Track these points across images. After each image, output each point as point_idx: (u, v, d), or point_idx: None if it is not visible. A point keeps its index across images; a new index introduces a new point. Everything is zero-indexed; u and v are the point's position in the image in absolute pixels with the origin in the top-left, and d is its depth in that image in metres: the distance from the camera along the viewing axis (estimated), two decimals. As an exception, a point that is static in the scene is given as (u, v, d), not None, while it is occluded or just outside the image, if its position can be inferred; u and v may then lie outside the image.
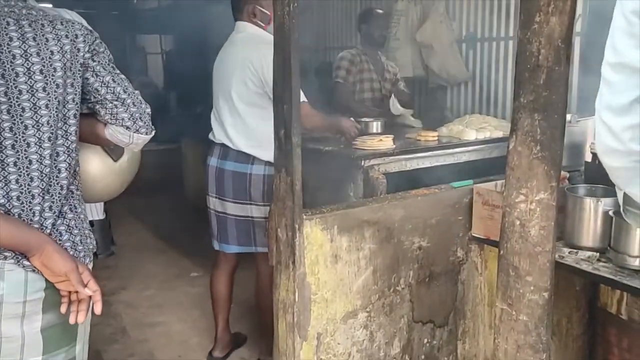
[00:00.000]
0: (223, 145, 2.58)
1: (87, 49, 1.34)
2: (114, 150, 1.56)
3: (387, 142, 2.85)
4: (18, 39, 1.25)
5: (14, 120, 1.24)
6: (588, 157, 2.32)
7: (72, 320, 1.25)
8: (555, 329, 2.16)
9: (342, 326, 1.92)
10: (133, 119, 1.41)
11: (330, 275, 1.86)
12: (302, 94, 2.27)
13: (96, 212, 4.04)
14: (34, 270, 1.23)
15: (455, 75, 4.28)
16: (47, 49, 1.28)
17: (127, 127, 1.41)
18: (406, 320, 2.09)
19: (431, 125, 3.36)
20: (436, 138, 3.08)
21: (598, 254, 1.79)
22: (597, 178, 2.01)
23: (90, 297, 1.25)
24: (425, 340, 2.16)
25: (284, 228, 1.78)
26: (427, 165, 2.92)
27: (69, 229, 1.32)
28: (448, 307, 2.21)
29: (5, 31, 1.24)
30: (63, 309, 1.26)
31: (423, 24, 4.32)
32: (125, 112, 1.40)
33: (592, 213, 1.80)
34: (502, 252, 1.24)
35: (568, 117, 2.41)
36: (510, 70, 3.94)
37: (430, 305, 2.15)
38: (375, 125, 3.23)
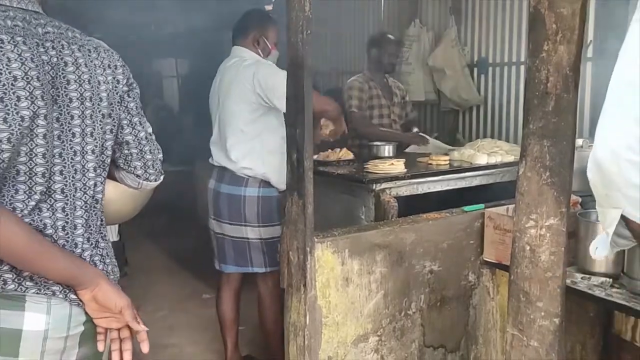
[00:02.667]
0: (221, 167, 2.64)
1: (125, 81, 1.32)
2: None
3: (398, 166, 2.86)
4: (72, 64, 1.21)
5: (64, 145, 1.20)
6: (600, 182, 2.31)
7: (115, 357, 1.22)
8: (569, 356, 2.14)
9: (352, 350, 1.92)
10: (145, 167, 1.38)
11: (341, 298, 1.87)
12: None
13: (110, 234, 4.08)
14: (78, 304, 1.19)
15: (467, 100, 4.30)
16: (96, 78, 1.25)
17: (138, 176, 1.39)
18: (417, 345, 2.08)
19: (443, 149, 3.38)
20: (447, 162, 3.09)
21: (611, 279, 1.78)
22: (610, 203, 2.00)
23: (130, 335, 1.23)
24: (437, 366, 2.15)
25: (295, 251, 1.79)
26: (438, 189, 2.93)
27: (102, 259, 1.28)
28: (460, 332, 2.20)
29: (60, 55, 1.20)
30: (101, 346, 1.23)
31: (435, 49, 4.37)
32: (139, 160, 1.37)
33: (604, 238, 1.80)
34: (512, 277, 1.24)
35: (580, 142, 2.41)
36: (521, 95, 3.96)
37: (441, 330, 2.14)
38: (387, 149, 3.25)
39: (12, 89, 1.09)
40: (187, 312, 3.79)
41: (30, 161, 1.14)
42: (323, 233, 1.85)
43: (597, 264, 1.82)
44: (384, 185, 2.71)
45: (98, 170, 1.27)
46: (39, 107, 1.13)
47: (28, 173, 1.14)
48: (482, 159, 3.09)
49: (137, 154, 1.36)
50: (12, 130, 1.09)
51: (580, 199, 2.27)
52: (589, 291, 1.74)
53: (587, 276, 1.81)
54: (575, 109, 1.13)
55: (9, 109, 1.08)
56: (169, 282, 4.31)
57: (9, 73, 1.09)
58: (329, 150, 3.19)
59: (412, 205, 2.67)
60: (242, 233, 2.62)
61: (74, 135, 1.22)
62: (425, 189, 2.88)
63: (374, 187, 2.69)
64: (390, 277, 1.97)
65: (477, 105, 4.31)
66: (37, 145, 1.14)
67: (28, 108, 1.11)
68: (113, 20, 4.91)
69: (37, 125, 1.14)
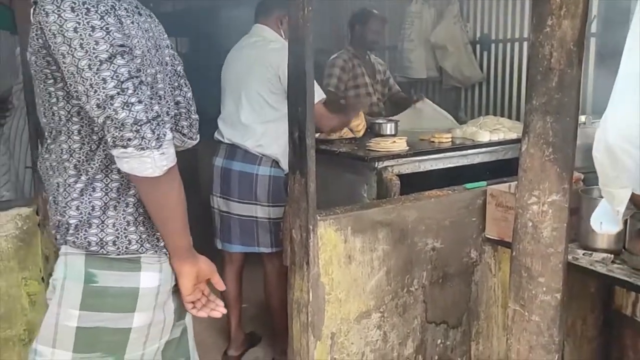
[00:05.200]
0: (231, 145, 2.62)
1: (170, 45, 1.36)
2: None
3: (400, 144, 2.85)
4: (150, 29, 1.27)
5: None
6: (603, 159, 2.31)
7: (218, 315, 1.37)
8: (570, 331, 2.16)
9: (355, 326, 1.94)
10: (190, 126, 1.44)
11: (344, 275, 1.88)
12: (319, 90, 2.28)
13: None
14: None
15: (469, 77, 4.27)
16: (161, 42, 1.31)
17: (184, 134, 1.45)
18: (419, 321, 2.10)
19: (445, 127, 3.36)
20: (450, 139, 3.08)
21: (612, 255, 1.79)
22: (612, 180, 2.00)
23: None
24: (439, 341, 2.17)
25: (298, 229, 1.80)
26: (440, 167, 2.93)
27: None
28: (461, 308, 2.22)
29: (144, 20, 1.25)
30: (203, 313, 1.34)
31: (437, 25, 4.33)
32: (187, 120, 1.42)
33: (606, 215, 1.80)
34: (514, 253, 1.25)
35: (583, 118, 2.41)
36: (524, 72, 3.93)
37: (443, 306, 2.16)
38: (389, 127, 3.23)
39: (147, 57, 1.20)
40: (191, 290, 3.82)
41: None
42: (325, 211, 1.86)
43: (599, 240, 1.83)
44: (386, 163, 2.71)
45: (173, 132, 1.34)
46: (157, 71, 1.24)
47: None
48: (484, 137, 3.08)
49: (185, 114, 1.43)
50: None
51: (582, 176, 2.27)
52: (591, 267, 1.76)
53: (589, 252, 1.82)
54: (578, 85, 1.13)
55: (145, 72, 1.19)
56: (173, 261, 4.33)
57: (145, 40, 1.20)
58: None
59: (415, 183, 2.67)
60: (251, 212, 2.62)
61: (160, 98, 1.28)
62: (427, 166, 2.88)
63: (376, 165, 2.69)
64: (393, 254, 1.98)
65: (480, 82, 4.29)
66: None
67: (154, 75, 1.23)
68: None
69: (160, 89, 1.26)
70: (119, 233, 1.20)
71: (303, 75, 1.71)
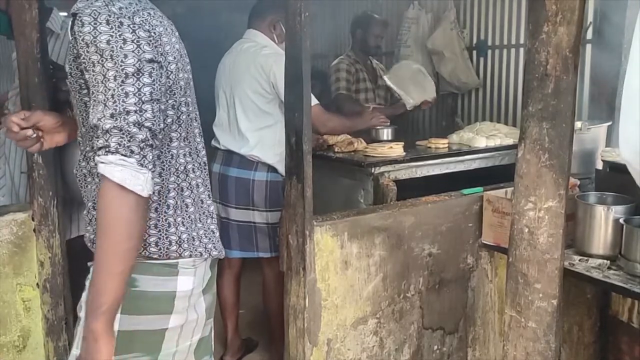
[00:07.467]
0: (228, 151, 2.61)
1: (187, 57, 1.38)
2: None
3: (397, 149, 2.85)
4: (176, 36, 1.28)
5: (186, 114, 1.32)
6: (599, 165, 2.32)
7: None
8: (567, 337, 2.16)
9: (352, 332, 1.93)
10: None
11: (340, 281, 1.88)
12: (312, 97, 2.29)
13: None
14: (205, 260, 1.34)
15: (466, 83, 4.28)
16: (182, 49, 1.31)
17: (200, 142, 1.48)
18: (416, 327, 2.10)
19: (442, 133, 3.37)
20: (446, 145, 3.08)
21: (609, 261, 1.79)
22: (608, 185, 2.01)
23: None
24: (435, 347, 2.17)
25: (294, 234, 1.79)
26: (437, 173, 2.93)
27: None
28: (458, 314, 2.22)
29: (168, 26, 1.26)
30: None
31: (434, 31, 4.33)
32: (199, 129, 1.46)
33: (602, 221, 1.80)
34: (510, 259, 1.25)
35: (579, 124, 2.41)
36: (521, 78, 3.94)
37: (440, 312, 2.16)
38: (386, 133, 3.23)
39: (180, 62, 1.25)
40: (187, 295, 3.80)
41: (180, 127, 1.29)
42: (322, 216, 1.86)
43: (595, 246, 1.83)
44: (382, 169, 2.71)
45: (201, 136, 1.40)
46: (188, 78, 1.29)
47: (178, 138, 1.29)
48: (481, 142, 3.08)
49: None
50: (176, 98, 1.24)
51: (578, 182, 2.28)
52: (587, 273, 1.76)
53: (585, 258, 1.82)
54: (574, 91, 1.13)
55: (174, 79, 1.22)
56: (169, 266, 4.31)
57: (173, 47, 1.23)
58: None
59: (411, 189, 2.67)
60: (249, 217, 2.61)
61: (187, 104, 1.31)
62: (424, 172, 2.88)
63: (372, 170, 2.69)
64: (389, 260, 1.98)
65: (476, 88, 4.29)
66: (182, 112, 1.28)
67: (186, 80, 1.28)
68: None
69: (188, 95, 1.30)
70: (160, 234, 1.25)
71: (300, 80, 1.71)
